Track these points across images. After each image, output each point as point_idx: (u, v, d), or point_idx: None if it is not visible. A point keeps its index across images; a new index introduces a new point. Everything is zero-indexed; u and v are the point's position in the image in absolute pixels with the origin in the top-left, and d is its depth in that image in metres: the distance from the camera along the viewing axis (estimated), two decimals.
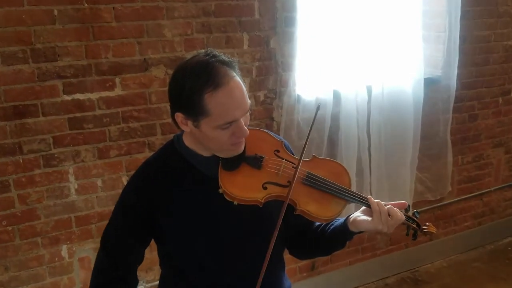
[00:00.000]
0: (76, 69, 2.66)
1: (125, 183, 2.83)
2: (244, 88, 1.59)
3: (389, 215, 1.70)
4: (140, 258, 1.80)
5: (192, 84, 1.54)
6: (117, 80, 2.76)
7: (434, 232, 1.86)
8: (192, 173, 1.70)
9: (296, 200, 1.69)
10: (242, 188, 1.65)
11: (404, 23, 3.45)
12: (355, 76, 3.35)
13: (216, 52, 1.60)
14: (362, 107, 3.41)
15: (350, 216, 1.78)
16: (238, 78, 1.58)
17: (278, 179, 1.70)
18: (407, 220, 1.80)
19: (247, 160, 1.70)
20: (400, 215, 1.72)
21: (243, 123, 1.60)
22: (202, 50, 1.62)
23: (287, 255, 1.94)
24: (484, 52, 3.98)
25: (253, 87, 3.12)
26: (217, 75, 1.54)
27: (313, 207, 1.71)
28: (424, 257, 4.17)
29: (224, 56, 1.60)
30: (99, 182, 2.85)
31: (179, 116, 1.62)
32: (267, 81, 3.16)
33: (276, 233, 1.59)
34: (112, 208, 2.84)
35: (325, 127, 3.33)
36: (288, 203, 1.66)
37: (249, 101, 1.60)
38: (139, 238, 1.75)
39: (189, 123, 1.61)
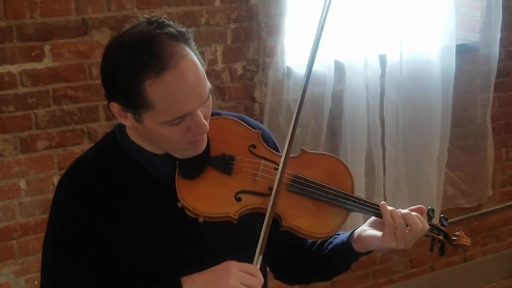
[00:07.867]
0: None
1: (56, 184, 2.89)
2: (201, 68, 1.61)
3: (406, 226, 1.76)
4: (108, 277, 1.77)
5: (129, 67, 1.55)
6: (47, 47, 2.83)
7: (468, 244, 1.91)
8: (141, 176, 1.73)
9: (281, 213, 1.72)
10: (208, 201, 1.68)
11: None
12: (364, 42, 3.42)
13: (164, 19, 1.61)
14: (374, 83, 3.50)
15: (355, 232, 1.84)
16: (192, 56, 1.59)
17: (256, 186, 1.73)
18: (431, 231, 1.85)
19: (212, 163, 1.72)
20: (421, 224, 1.76)
21: (201, 116, 1.61)
22: (146, 17, 1.63)
23: (273, 281, 2.04)
24: None
25: (228, 57, 3.20)
26: (161, 54, 1.54)
27: (305, 222, 1.74)
28: (456, 283, 4.26)
29: (174, 25, 1.61)
30: (22, 184, 2.91)
31: (115, 107, 1.64)
32: (247, 49, 3.24)
33: (259, 259, 1.65)
34: (39, 218, 2.87)
35: (325, 110, 3.42)
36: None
37: (208, 86, 1.62)
38: (97, 257, 1.72)
39: (129, 115, 1.64)
